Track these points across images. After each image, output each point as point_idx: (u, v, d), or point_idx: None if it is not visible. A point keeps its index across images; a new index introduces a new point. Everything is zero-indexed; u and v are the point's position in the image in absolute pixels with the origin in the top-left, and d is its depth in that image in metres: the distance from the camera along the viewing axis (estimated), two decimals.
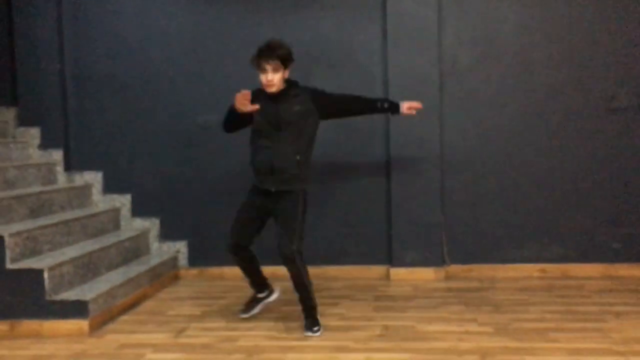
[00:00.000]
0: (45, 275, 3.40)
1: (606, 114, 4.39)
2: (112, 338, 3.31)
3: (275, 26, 4.60)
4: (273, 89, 3.21)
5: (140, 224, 4.79)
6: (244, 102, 3.17)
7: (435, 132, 4.47)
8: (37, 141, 4.76)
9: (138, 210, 4.81)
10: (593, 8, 4.37)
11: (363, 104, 3.50)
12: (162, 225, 4.80)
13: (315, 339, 3.22)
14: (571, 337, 3.08)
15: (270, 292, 3.68)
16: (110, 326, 3.52)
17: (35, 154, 4.74)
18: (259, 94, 3.26)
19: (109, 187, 4.81)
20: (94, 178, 4.80)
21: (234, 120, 3.35)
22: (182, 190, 4.74)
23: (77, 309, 3.39)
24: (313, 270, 4.56)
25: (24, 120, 4.78)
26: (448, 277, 4.47)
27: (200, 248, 4.76)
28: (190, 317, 3.65)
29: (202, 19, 4.68)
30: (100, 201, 4.79)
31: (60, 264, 3.54)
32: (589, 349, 2.93)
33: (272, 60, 3.16)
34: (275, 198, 3.31)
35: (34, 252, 3.67)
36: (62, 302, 3.41)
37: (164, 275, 4.48)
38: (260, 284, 3.65)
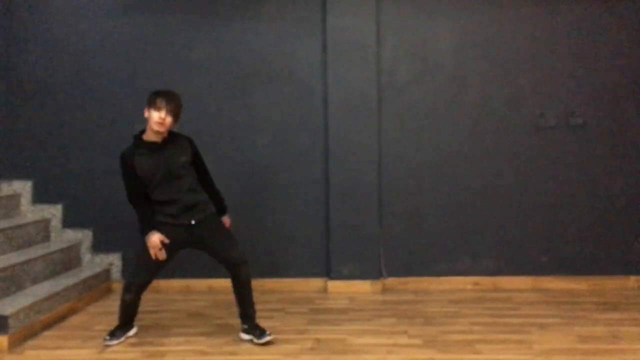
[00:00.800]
0: None
1: (536, 131, 4.56)
2: (32, 354, 3.18)
3: (213, 37, 4.59)
4: (162, 129, 3.25)
5: (71, 235, 4.64)
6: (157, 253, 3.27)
7: (374, 146, 4.53)
8: None
9: (69, 221, 4.66)
10: (523, 28, 4.54)
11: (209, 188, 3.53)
12: (95, 236, 4.66)
13: (243, 352, 3.19)
14: (494, 349, 3.16)
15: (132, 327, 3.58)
16: (33, 342, 3.38)
17: None
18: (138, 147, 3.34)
19: (39, 197, 4.65)
20: (22, 187, 4.63)
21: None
22: (115, 201, 4.59)
23: None
24: (252, 283, 4.58)
25: None
26: (385, 290, 4.52)
27: (134, 261, 4.63)
28: None
29: (139, 30, 4.61)
30: (30, 211, 4.61)
31: None
32: None
33: (171, 104, 3.26)
34: (196, 228, 3.33)
35: None
36: None
37: (96, 289, 4.35)
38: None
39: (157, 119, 3.23)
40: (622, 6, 4.49)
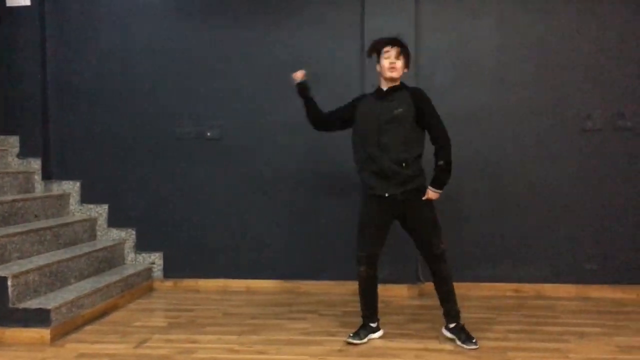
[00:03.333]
0: (9, 282, 3.40)
1: (581, 134, 4.40)
2: (72, 347, 3.30)
3: (256, 41, 4.66)
4: (394, 74, 3.25)
5: (116, 234, 4.81)
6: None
7: None
8: (16, 150, 4.79)
9: (115, 220, 4.82)
10: (569, 28, 4.40)
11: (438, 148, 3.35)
12: (138, 236, 4.81)
13: (272, 352, 3.20)
14: (528, 357, 3.06)
15: (378, 327, 3.47)
16: (74, 336, 3.51)
17: (14, 163, 4.77)
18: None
19: (87, 197, 4.83)
20: (71, 188, 4.83)
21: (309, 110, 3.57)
22: (159, 202, 4.76)
23: (39, 318, 3.38)
24: (287, 285, 4.62)
25: (3, 129, 4.81)
26: (422, 295, 4.45)
27: (175, 260, 4.77)
28: (154, 329, 3.64)
29: (185, 33, 4.72)
30: (77, 211, 4.81)
31: (26, 272, 3.55)
32: None
33: (396, 46, 3.26)
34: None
35: (2, 260, 3.68)
36: (25, 311, 3.40)
37: (138, 287, 4.48)
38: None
39: (387, 64, 3.27)
40: None
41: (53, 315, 3.42)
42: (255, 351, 3.22)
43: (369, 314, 3.43)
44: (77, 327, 3.63)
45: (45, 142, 4.82)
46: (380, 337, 3.41)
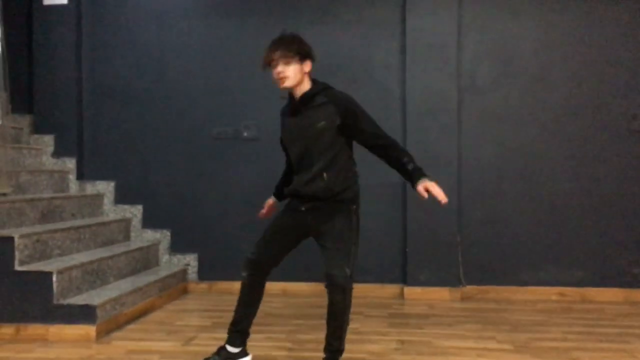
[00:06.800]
0: (54, 278, 3.32)
1: (627, 135, 4.33)
2: (119, 345, 3.21)
3: None
4: (287, 83, 2.62)
5: (150, 235, 4.73)
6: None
7: (453, 149, 4.41)
8: (51, 149, 4.74)
9: (149, 221, 4.75)
10: (613, 26, 4.35)
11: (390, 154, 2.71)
12: (173, 237, 4.73)
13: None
14: (594, 356, 2.96)
15: (245, 354, 2.89)
16: (118, 333, 3.42)
17: (49, 162, 4.71)
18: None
19: (121, 197, 4.77)
20: (105, 188, 4.76)
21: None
22: (194, 203, 4.69)
23: (84, 314, 3.30)
24: (323, 287, 4.52)
25: (38, 128, 4.77)
26: (463, 298, 4.36)
27: (210, 262, 4.68)
28: (199, 328, 3.56)
29: (219, 33, 4.69)
30: (111, 211, 4.74)
31: (70, 268, 3.47)
32: None
33: (280, 50, 2.59)
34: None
35: (43, 256, 3.60)
36: (70, 307, 3.32)
37: (173, 288, 4.39)
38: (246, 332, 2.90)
39: (274, 75, 2.64)
40: None
41: (99, 312, 3.33)
42: (309, 349, 3.12)
43: (236, 332, 2.83)
44: (119, 326, 3.54)
45: (80, 142, 4.77)
46: (432, 337, 3.31)
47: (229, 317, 3.75)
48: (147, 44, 4.76)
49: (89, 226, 4.13)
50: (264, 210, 3.05)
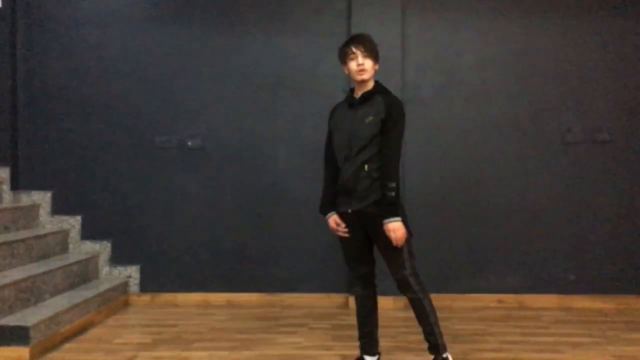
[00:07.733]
0: None
1: (562, 147, 4.49)
2: None
3: (241, 49, 4.56)
4: (365, 76, 2.82)
5: (90, 247, 4.59)
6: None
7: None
8: None
9: (88, 232, 4.61)
10: (549, 43, 4.50)
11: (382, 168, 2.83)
12: (114, 249, 4.60)
13: None
14: None
15: None
16: (54, 354, 3.30)
17: None
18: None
19: (58, 208, 4.60)
20: (42, 198, 4.59)
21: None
22: (136, 213, 4.58)
23: (17, 336, 3.17)
24: (269, 298, 4.51)
25: None
26: (407, 306, 4.41)
27: (152, 273, 4.58)
28: (139, 345, 3.47)
29: (163, 39, 4.59)
30: (48, 222, 4.57)
31: (1, 288, 3.33)
32: None
33: (364, 46, 2.83)
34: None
35: None
36: (2, 328, 3.18)
37: (114, 301, 4.28)
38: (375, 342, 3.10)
39: (355, 67, 2.83)
40: None
41: (32, 333, 3.21)
42: None
43: (364, 343, 3.06)
44: (55, 346, 3.42)
45: (14, 150, 4.57)
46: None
47: (171, 332, 3.72)
48: (86, 50, 4.61)
49: (23, 240, 3.97)
50: (339, 228, 2.97)
